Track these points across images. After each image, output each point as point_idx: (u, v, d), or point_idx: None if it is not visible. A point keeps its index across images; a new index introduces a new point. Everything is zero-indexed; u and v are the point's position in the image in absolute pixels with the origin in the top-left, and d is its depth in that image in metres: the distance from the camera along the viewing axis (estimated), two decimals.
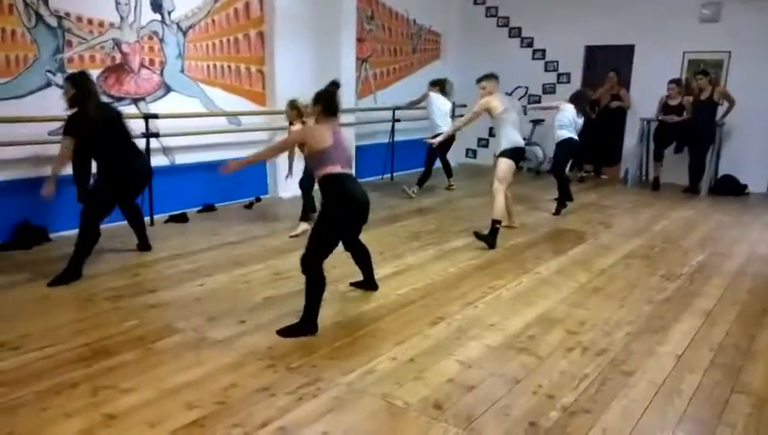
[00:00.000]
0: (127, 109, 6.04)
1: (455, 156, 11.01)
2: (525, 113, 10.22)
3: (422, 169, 8.11)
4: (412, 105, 8.63)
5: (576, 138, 7.17)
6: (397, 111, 9.05)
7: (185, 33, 6.52)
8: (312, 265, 3.66)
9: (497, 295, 4.41)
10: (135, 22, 6.04)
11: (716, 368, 3.34)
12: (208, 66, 6.81)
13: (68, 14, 5.50)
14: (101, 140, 4.58)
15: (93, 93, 4.62)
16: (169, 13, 6.34)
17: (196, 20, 6.62)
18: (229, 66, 7.02)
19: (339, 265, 5.01)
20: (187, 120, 6.47)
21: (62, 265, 4.48)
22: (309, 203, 5.97)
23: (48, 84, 5.37)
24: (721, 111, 8.59)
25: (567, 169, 7.57)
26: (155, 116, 6.05)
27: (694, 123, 8.60)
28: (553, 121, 7.32)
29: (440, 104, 8.08)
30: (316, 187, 4.12)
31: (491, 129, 9.72)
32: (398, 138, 9.15)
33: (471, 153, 11.38)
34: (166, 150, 6.45)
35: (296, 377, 3.12)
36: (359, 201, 3.75)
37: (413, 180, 8.19)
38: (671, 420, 2.80)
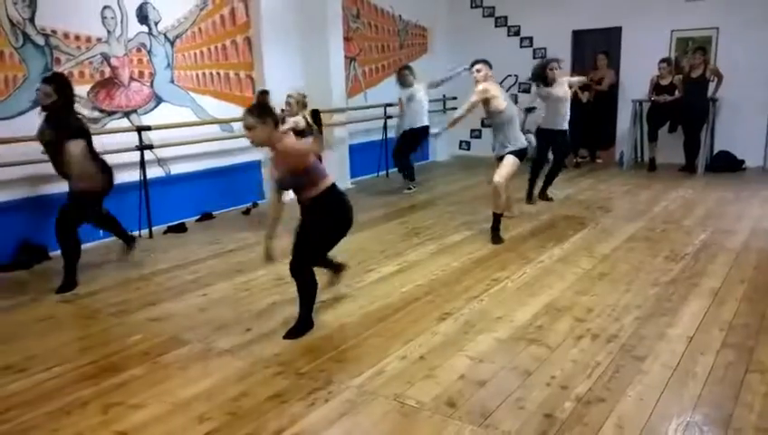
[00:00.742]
0: (119, 122, 6.01)
1: (449, 147, 11.03)
2: (516, 102, 10.24)
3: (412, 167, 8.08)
4: (442, 82, 8.37)
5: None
6: (388, 109, 9.01)
7: (172, 44, 6.48)
8: (304, 271, 3.67)
9: (502, 287, 4.39)
10: (122, 35, 6.00)
11: (729, 348, 3.33)
12: (197, 75, 6.77)
13: (54, 32, 5.45)
14: None
15: (74, 102, 4.60)
16: (156, 24, 6.29)
17: (183, 29, 6.57)
18: (218, 73, 6.98)
19: None
20: (179, 129, 6.44)
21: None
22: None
23: (39, 103, 5.32)
24: (711, 87, 8.58)
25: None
26: (147, 128, 6.02)
27: (686, 102, 8.60)
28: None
29: (424, 95, 7.98)
30: None
31: (483, 120, 9.72)
32: (391, 134, 9.11)
33: (465, 145, 11.36)
34: (160, 162, 6.41)
35: (306, 382, 3.09)
36: (351, 209, 3.81)
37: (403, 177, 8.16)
38: (687, 404, 2.78)
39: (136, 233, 6.09)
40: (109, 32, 5.87)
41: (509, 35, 10.53)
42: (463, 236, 5.76)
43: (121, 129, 5.95)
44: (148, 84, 6.29)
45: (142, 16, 6.16)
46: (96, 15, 5.77)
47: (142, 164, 5.96)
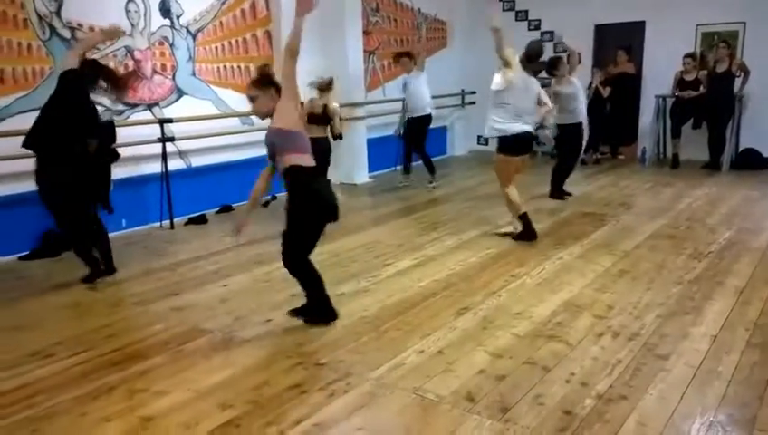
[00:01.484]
0: (142, 115, 6.08)
1: (467, 142, 10.98)
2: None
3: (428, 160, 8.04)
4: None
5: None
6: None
7: (194, 37, 6.53)
8: (297, 266, 3.60)
9: (521, 283, 4.38)
10: (145, 28, 6.06)
11: (753, 348, 3.29)
12: (219, 68, 6.82)
13: (80, 25, 5.53)
14: None
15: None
16: (178, 17, 6.35)
17: (205, 23, 6.62)
18: (239, 67, 7.02)
19: (358, 258, 5.04)
20: (200, 122, 6.49)
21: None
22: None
23: None
24: (738, 83, 8.45)
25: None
26: (169, 120, 6.08)
27: (711, 97, 8.47)
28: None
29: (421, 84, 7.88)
30: None
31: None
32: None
33: (483, 140, 11.29)
34: (182, 154, 6.48)
35: (326, 373, 3.12)
36: (328, 196, 3.61)
37: (421, 171, 8.13)
38: (711, 403, 2.76)
39: (157, 224, 6.19)
40: (132, 25, 5.94)
41: (529, 29, 10.44)
42: (481, 232, 5.74)
43: (144, 121, 6.02)
44: (171, 77, 6.35)
45: (165, 10, 6.22)
46: (120, 9, 5.84)
47: (164, 156, 6.02)
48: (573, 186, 7.36)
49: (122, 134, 5.51)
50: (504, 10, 10.58)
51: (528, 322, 3.70)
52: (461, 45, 10.52)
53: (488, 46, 5.42)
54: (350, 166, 8.28)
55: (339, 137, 6.30)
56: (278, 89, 3.55)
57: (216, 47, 6.78)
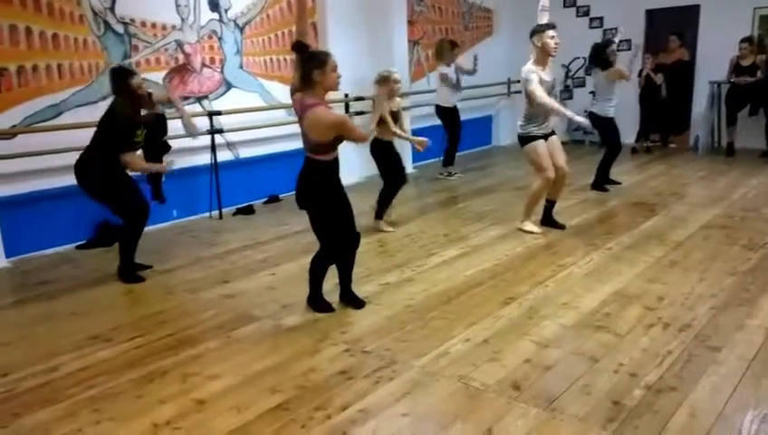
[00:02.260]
0: (191, 107, 6.22)
1: (512, 132, 10.81)
2: (584, 86, 9.97)
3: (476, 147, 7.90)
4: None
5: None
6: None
7: (242, 30, 6.65)
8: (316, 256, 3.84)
9: (568, 273, 4.33)
10: (195, 22, 6.20)
11: None
12: (265, 61, 6.92)
13: (133, 21, 5.70)
14: None
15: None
16: (226, 11, 6.47)
17: (252, 16, 6.73)
18: (285, 59, 7.10)
19: (403, 248, 5.06)
20: (248, 114, 6.61)
21: (139, 260, 4.69)
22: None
23: None
24: None
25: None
26: (218, 113, 6.22)
27: None
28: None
29: (447, 73, 7.79)
30: None
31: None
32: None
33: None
34: (230, 145, 6.62)
35: (371, 360, 3.16)
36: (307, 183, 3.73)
37: (464, 161, 8.05)
38: (765, 396, 2.69)
39: (206, 215, 6.34)
40: (182, 19, 6.09)
41: (578, 16, 10.23)
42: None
43: (193, 114, 6.15)
44: (219, 70, 6.48)
45: (213, 4, 6.35)
46: (171, 4, 5.99)
47: (213, 148, 6.16)
48: (624, 175, 7.21)
49: (173, 126, 5.69)
50: None
51: (575, 312, 3.67)
52: (507, 33, 10.38)
53: None
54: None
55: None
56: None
57: (263, 40, 6.88)
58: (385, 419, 2.66)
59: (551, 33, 4.94)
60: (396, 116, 5.40)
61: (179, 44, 6.09)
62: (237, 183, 6.63)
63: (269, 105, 6.96)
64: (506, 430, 2.54)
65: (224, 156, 6.48)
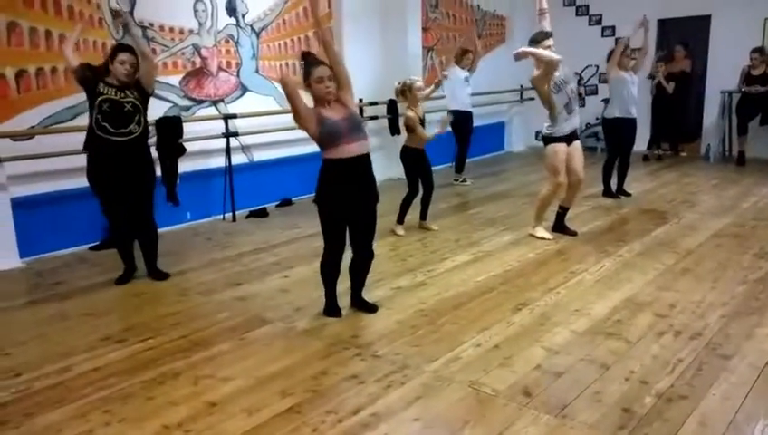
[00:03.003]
0: (207, 110, 6.30)
1: (525, 138, 10.85)
2: (596, 93, 9.97)
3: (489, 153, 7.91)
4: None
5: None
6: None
7: (258, 35, 6.72)
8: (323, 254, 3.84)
9: (579, 280, 4.33)
10: (212, 27, 6.28)
11: None
12: (281, 65, 6.99)
13: (151, 24, 5.79)
14: None
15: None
16: (243, 16, 6.55)
17: (269, 21, 6.80)
18: (301, 64, 7.13)
19: (415, 253, 5.09)
20: (262, 118, 6.67)
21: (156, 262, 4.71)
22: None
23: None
24: None
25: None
26: (233, 116, 6.28)
27: None
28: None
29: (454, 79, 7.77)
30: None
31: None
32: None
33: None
34: (244, 148, 6.68)
35: (383, 365, 3.18)
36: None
37: (477, 167, 8.06)
38: None
39: (220, 217, 6.40)
40: (200, 24, 6.16)
41: (590, 24, 10.25)
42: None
43: (209, 117, 6.23)
44: (235, 74, 6.55)
45: (231, 9, 6.42)
46: (189, 8, 6.06)
47: (228, 151, 6.22)
48: (635, 182, 7.20)
49: (188, 129, 5.76)
50: (564, 5, 10.39)
51: (586, 319, 3.67)
52: (520, 41, 10.35)
53: None
54: None
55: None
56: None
57: (279, 44, 6.95)
58: (396, 423, 2.68)
59: (547, 42, 5.05)
60: (422, 122, 5.52)
61: (196, 48, 6.16)
62: (251, 186, 6.69)
63: (283, 109, 6.99)
64: None
65: (238, 159, 6.54)
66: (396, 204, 5.67)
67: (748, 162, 8.60)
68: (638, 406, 2.71)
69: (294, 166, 7.07)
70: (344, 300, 3.94)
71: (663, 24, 9.64)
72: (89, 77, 4.21)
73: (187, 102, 6.10)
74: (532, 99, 10.19)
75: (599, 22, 10.21)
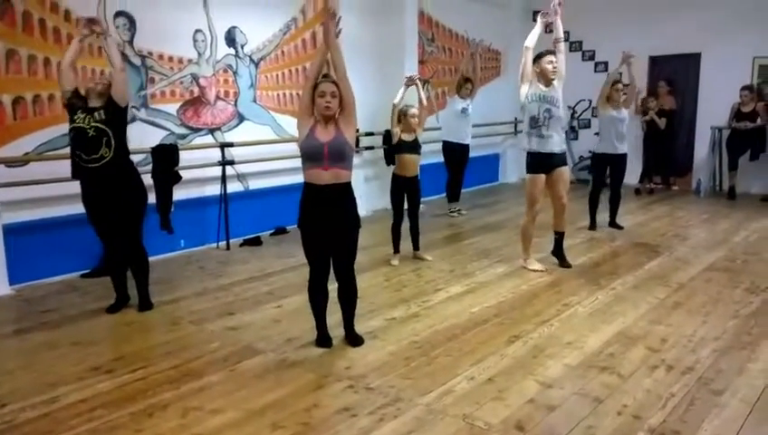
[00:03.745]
0: (204, 139, 6.34)
1: (518, 169, 10.89)
2: (588, 127, 10.09)
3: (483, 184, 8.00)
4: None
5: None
6: None
7: (257, 65, 6.80)
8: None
9: (573, 313, 4.34)
10: (211, 57, 6.35)
11: None
12: (278, 95, 7.06)
13: (150, 53, 5.85)
14: None
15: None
16: (242, 46, 6.63)
17: (267, 52, 6.89)
18: (298, 94, 7.20)
19: (409, 283, 5.09)
20: (259, 146, 6.72)
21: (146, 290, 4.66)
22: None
23: (133, 119, 5.65)
24: None
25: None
26: (230, 144, 6.32)
27: None
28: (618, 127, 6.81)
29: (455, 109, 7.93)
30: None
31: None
32: None
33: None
34: (240, 177, 6.70)
35: (376, 397, 3.16)
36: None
37: (471, 198, 8.11)
38: None
39: (214, 245, 6.39)
40: (199, 53, 6.24)
41: (583, 60, 10.42)
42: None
43: (206, 145, 6.27)
44: (233, 103, 6.61)
45: (230, 39, 6.51)
46: (188, 38, 6.14)
47: (223, 179, 6.24)
48: (627, 215, 7.25)
49: (185, 157, 5.79)
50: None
51: (579, 352, 3.67)
52: (515, 75, 10.48)
53: None
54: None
55: None
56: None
57: (277, 75, 7.03)
58: None
59: (548, 58, 5.23)
60: (416, 148, 5.73)
61: (195, 78, 6.22)
62: (246, 214, 6.70)
63: (280, 138, 7.07)
64: None
65: (233, 187, 6.56)
66: (390, 235, 5.70)
67: (738, 197, 8.71)
68: None
69: (289, 194, 7.05)
70: (338, 331, 3.92)
71: (654, 61, 9.82)
72: (74, 104, 4.22)
73: (183, 130, 6.14)
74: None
75: (591, 57, 10.39)
